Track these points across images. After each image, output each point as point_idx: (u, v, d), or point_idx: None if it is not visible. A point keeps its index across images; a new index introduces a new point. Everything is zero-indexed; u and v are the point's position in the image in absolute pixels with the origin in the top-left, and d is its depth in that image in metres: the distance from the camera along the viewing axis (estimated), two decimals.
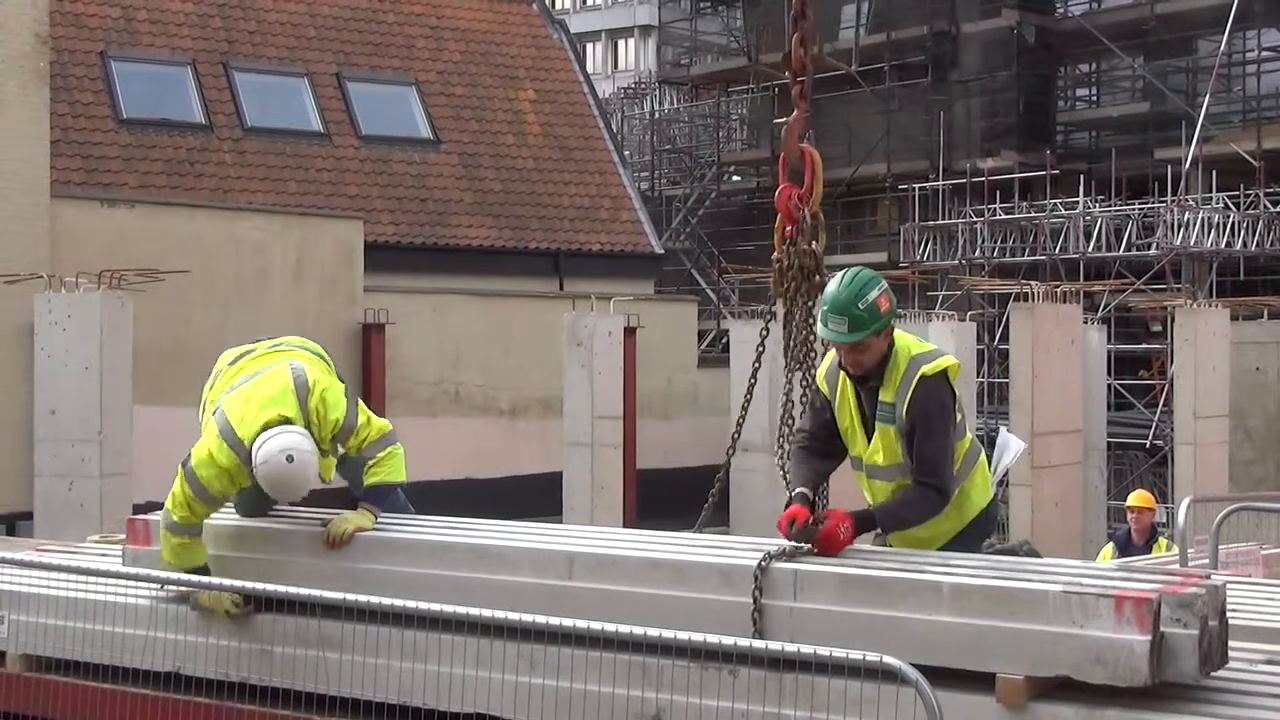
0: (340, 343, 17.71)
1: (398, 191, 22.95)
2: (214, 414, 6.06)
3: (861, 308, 5.36)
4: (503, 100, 25.03)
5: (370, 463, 6.07)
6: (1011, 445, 6.44)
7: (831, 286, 5.47)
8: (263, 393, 5.99)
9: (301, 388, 6.00)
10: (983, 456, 5.81)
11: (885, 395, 5.48)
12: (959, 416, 5.57)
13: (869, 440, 5.57)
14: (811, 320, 6.16)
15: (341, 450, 6.14)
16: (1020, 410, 17.76)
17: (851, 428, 5.65)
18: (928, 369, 5.41)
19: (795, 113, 6.36)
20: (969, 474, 5.67)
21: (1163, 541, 11.94)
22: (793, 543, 5.16)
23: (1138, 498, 12.18)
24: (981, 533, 5.83)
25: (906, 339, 5.56)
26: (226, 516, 6.43)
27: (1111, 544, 12.31)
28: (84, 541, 8.28)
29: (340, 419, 5.99)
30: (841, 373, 5.61)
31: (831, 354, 5.66)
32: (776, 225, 6.33)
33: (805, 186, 6.27)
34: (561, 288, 23.08)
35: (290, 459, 5.76)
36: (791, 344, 6.24)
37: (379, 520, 5.98)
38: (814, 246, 6.26)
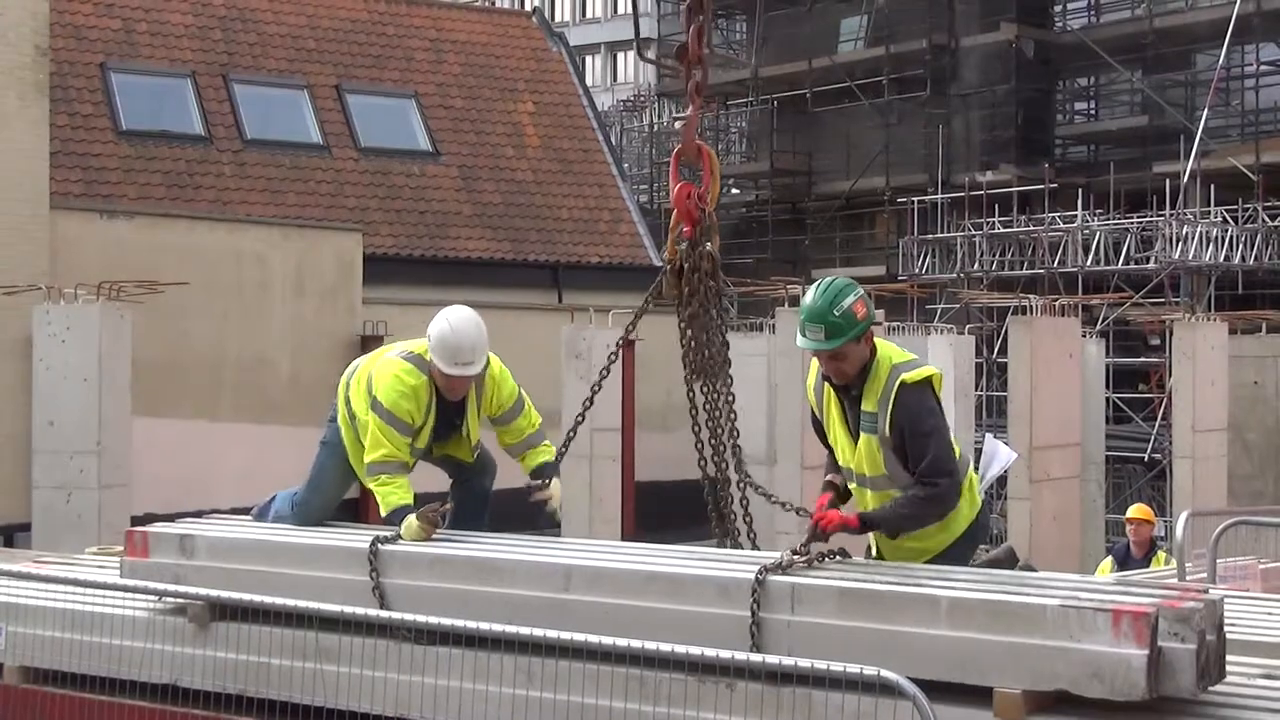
0: (339, 355, 17.68)
1: (397, 204, 22.96)
2: (369, 389, 6.29)
3: (837, 314, 5.38)
4: (502, 113, 25.06)
5: (533, 447, 6.60)
6: (1000, 453, 6.43)
7: (808, 296, 5.49)
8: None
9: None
10: (971, 469, 5.80)
11: (867, 404, 5.48)
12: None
13: (854, 450, 5.58)
14: (719, 325, 6.09)
15: (498, 428, 6.57)
16: (1019, 424, 17.76)
17: (837, 438, 5.66)
18: (908, 377, 5.40)
19: (691, 109, 6.24)
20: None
21: (1161, 555, 11.92)
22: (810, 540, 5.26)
23: (1138, 510, 12.18)
24: (973, 543, 5.82)
25: (888, 348, 5.56)
26: (226, 527, 6.43)
27: (1110, 558, 12.30)
28: (82, 553, 8.27)
29: (514, 393, 6.50)
30: (826, 383, 5.62)
31: (816, 364, 5.64)
32: (671, 225, 6.19)
33: (704, 186, 6.16)
34: (560, 300, 23.08)
35: (447, 319, 6.23)
36: (690, 352, 6.11)
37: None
38: (710, 248, 6.14)
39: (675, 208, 6.04)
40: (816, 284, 5.54)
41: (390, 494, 6.16)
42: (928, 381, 5.45)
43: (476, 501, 6.65)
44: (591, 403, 6.49)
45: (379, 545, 5.75)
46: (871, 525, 5.32)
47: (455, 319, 6.24)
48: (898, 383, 5.39)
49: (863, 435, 5.50)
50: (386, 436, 6.17)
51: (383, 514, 6.19)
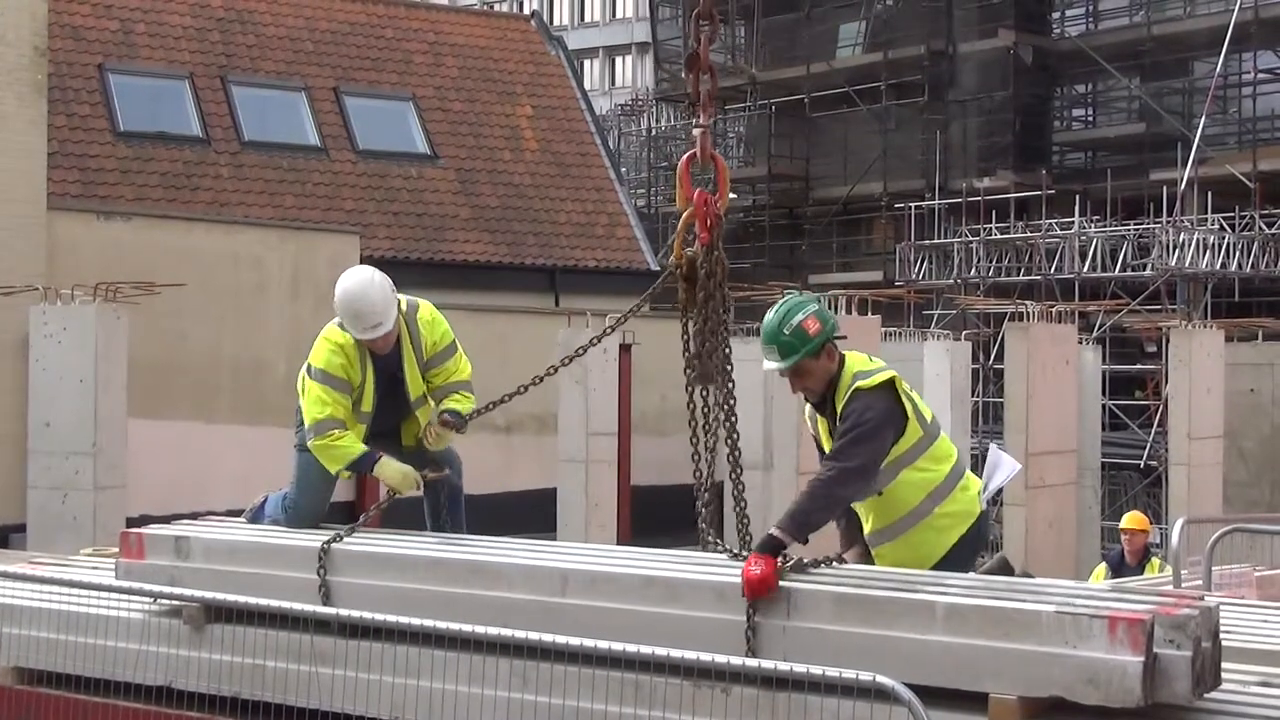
0: None
1: (394, 206, 22.96)
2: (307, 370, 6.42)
3: (787, 334, 5.47)
4: (500, 116, 25.07)
5: (453, 394, 6.52)
6: (1004, 464, 6.39)
7: (766, 316, 5.59)
8: None
9: (410, 303, 6.46)
10: (969, 477, 5.79)
11: (839, 421, 5.53)
12: (921, 434, 5.54)
13: None
14: (724, 331, 6.12)
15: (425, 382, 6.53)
16: (1015, 430, 17.75)
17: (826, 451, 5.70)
18: (862, 384, 5.45)
19: (704, 116, 6.28)
20: (951, 491, 5.64)
21: (1155, 562, 11.95)
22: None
23: (1131, 520, 12.18)
24: (972, 550, 5.80)
25: (855, 360, 5.61)
26: (222, 529, 6.43)
27: (1104, 564, 12.31)
28: (77, 554, 8.26)
29: (448, 336, 6.50)
30: (813, 407, 5.71)
31: None
32: (680, 229, 6.21)
33: (718, 193, 6.22)
34: (557, 304, 23.08)
35: (343, 287, 6.24)
36: (697, 357, 6.10)
37: (375, 536, 6.02)
38: (720, 253, 6.19)
39: (695, 214, 6.06)
40: (774, 305, 5.63)
41: (347, 446, 6.25)
42: (883, 385, 5.47)
43: (450, 500, 6.67)
44: (560, 368, 6.67)
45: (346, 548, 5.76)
46: (777, 544, 5.06)
47: (350, 286, 6.28)
48: (853, 389, 5.45)
49: None
50: (327, 396, 6.25)
51: (337, 468, 6.26)
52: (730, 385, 6.01)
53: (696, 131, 6.13)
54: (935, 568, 5.57)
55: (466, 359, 6.65)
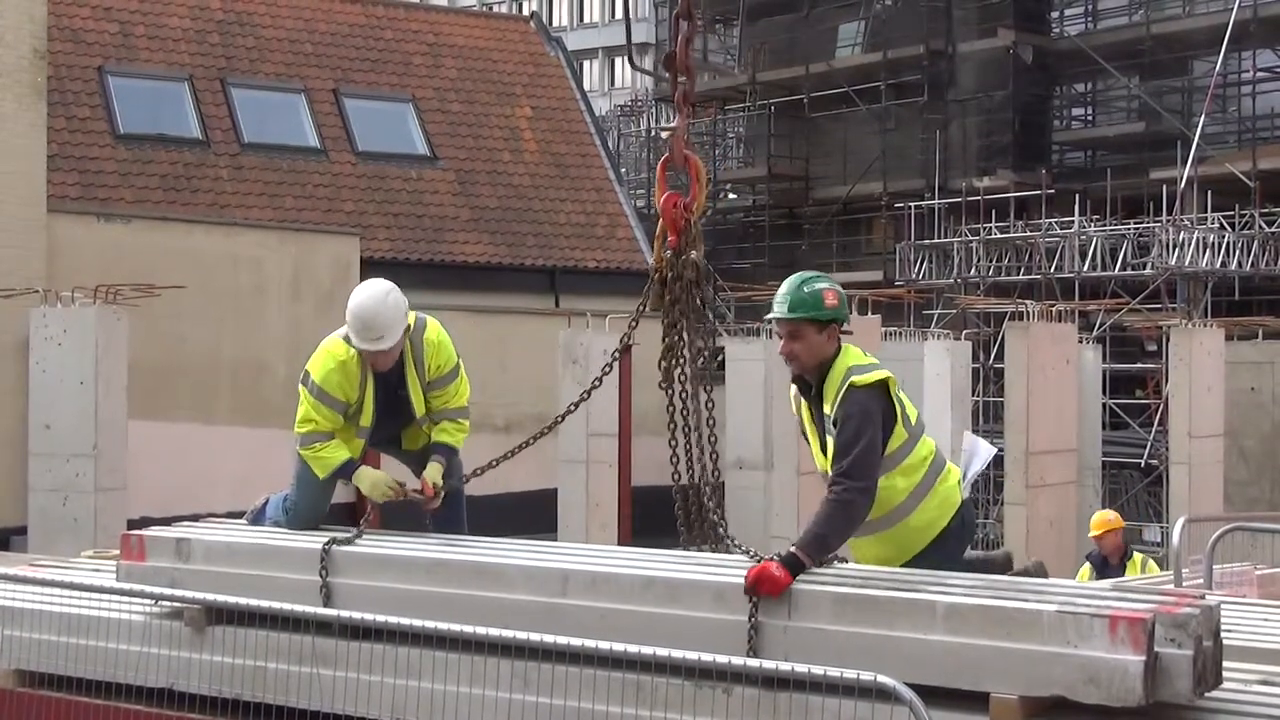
0: None
1: (394, 208, 22.97)
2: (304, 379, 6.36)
3: (806, 291, 5.50)
4: (499, 117, 25.07)
5: (446, 422, 6.48)
6: (981, 449, 6.40)
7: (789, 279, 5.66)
8: None
9: (419, 320, 6.39)
10: (949, 469, 5.76)
11: (826, 407, 5.50)
12: (906, 436, 5.53)
13: (825, 455, 5.58)
14: (703, 336, 6.09)
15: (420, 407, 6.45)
16: (1015, 429, 17.76)
17: (812, 443, 5.69)
18: (857, 380, 5.40)
19: (679, 118, 6.26)
20: (932, 485, 5.63)
21: (1138, 558, 11.95)
22: None
23: (1099, 523, 12.11)
24: (958, 540, 5.75)
25: (852, 353, 5.57)
26: (223, 531, 6.43)
27: (1088, 564, 12.29)
28: (78, 556, 8.26)
29: (451, 360, 6.41)
30: (798, 390, 5.67)
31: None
32: (657, 234, 6.19)
33: (691, 195, 6.18)
34: (557, 305, 23.09)
35: (358, 294, 6.18)
36: (667, 359, 6.07)
37: (376, 537, 6.02)
38: (694, 256, 6.15)
39: (662, 217, 6.05)
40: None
41: (330, 454, 6.27)
42: (878, 385, 5.43)
43: (451, 502, 6.61)
44: (575, 408, 6.50)
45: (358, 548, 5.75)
46: (798, 564, 5.02)
47: (364, 294, 6.25)
48: (846, 384, 5.41)
49: (828, 438, 5.52)
50: (316, 412, 6.25)
51: (324, 474, 6.28)
52: (708, 388, 6.01)
53: (664, 134, 6.12)
54: (918, 558, 5.56)
55: (467, 384, 6.60)
